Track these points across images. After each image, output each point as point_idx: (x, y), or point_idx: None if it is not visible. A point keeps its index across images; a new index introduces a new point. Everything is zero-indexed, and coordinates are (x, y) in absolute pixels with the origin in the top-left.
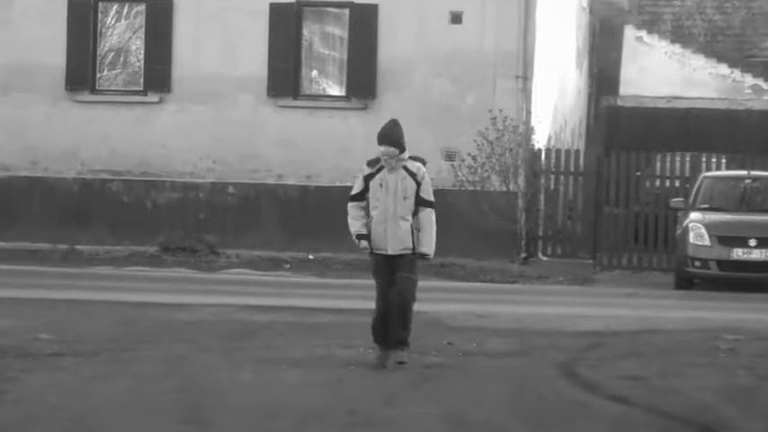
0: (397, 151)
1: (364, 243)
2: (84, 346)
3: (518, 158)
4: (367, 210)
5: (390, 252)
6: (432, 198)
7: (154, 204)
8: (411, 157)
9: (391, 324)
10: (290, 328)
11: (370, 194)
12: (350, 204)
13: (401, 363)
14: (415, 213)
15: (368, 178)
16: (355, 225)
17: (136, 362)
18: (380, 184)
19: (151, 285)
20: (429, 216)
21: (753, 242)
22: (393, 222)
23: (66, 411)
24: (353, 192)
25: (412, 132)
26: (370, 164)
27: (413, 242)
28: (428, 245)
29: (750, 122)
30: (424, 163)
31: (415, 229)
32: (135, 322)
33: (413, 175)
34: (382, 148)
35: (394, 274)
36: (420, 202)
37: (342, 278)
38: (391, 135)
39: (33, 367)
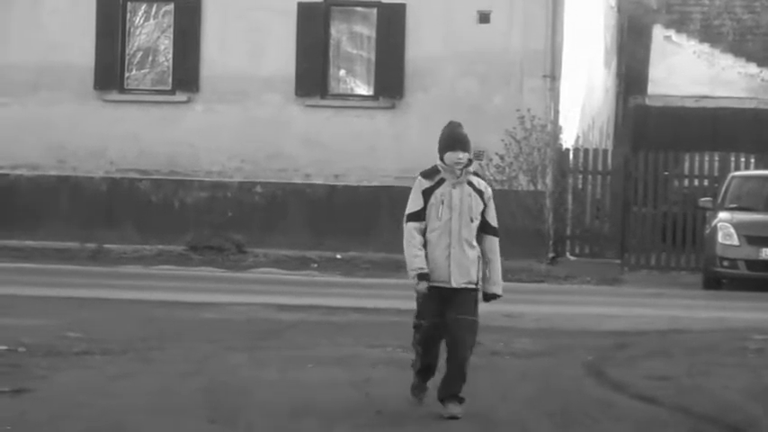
0: (470, 161)
1: (424, 286)
2: (111, 345)
3: (546, 158)
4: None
5: (453, 285)
6: (497, 225)
7: (182, 203)
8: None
9: (448, 378)
10: (317, 328)
11: (429, 213)
12: (408, 226)
13: (454, 417)
14: (477, 241)
15: (426, 193)
16: (417, 259)
17: (162, 360)
18: (443, 201)
19: (178, 284)
20: (496, 247)
21: None
22: (458, 247)
23: (94, 409)
24: (411, 209)
25: (439, 132)
26: (427, 175)
27: (477, 275)
28: (499, 283)
29: None
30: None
31: (481, 261)
32: (162, 321)
33: (480, 193)
34: (459, 155)
35: (445, 314)
36: (485, 229)
37: (369, 277)
38: (467, 139)
39: (61, 365)
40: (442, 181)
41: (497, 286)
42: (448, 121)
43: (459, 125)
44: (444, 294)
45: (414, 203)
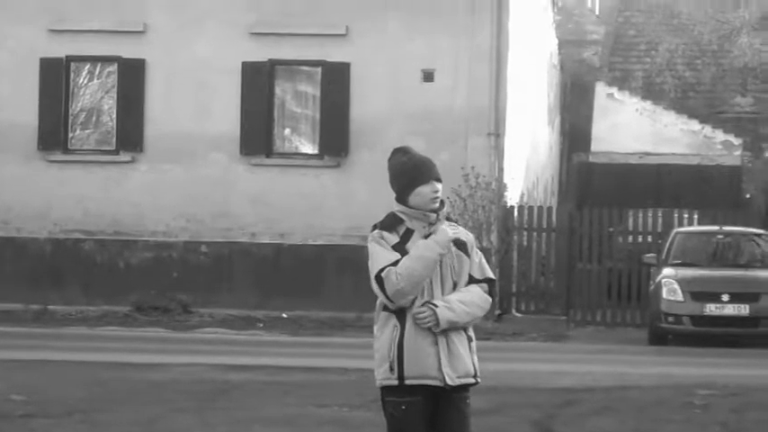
0: (441, 202)
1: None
2: (56, 408)
3: (491, 215)
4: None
5: (449, 382)
6: (491, 274)
7: (126, 264)
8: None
9: None
10: (264, 388)
11: None
12: (385, 273)
13: None
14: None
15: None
16: (427, 242)
17: (109, 423)
18: None
19: (124, 345)
20: (479, 293)
21: (725, 297)
22: (446, 333)
23: None
24: (383, 263)
25: (385, 191)
26: (388, 227)
27: (474, 364)
28: (455, 308)
29: (721, 178)
30: None
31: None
32: (107, 383)
33: (461, 245)
34: (436, 187)
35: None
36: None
37: (315, 336)
38: (435, 167)
39: (5, 429)
40: (409, 233)
41: (450, 309)
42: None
43: (413, 152)
44: (435, 398)
45: (384, 257)
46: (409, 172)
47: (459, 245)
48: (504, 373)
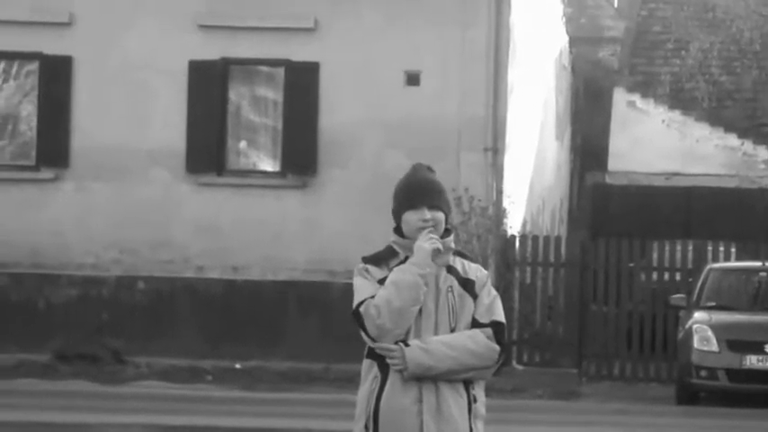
0: (444, 229)
1: (438, 243)
2: None
3: (487, 247)
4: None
5: None
6: (501, 317)
7: (47, 303)
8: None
9: None
10: None
11: None
12: (365, 306)
13: None
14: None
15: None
16: (406, 270)
17: None
18: None
19: (42, 402)
20: (477, 336)
21: None
22: (436, 388)
23: None
24: (362, 296)
25: (360, 215)
26: (377, 260)
27: (470, 428)
28: (432, 349)
29: (764, 203)
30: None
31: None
32: None
33: (467, 284)
34: (426, 215)
35: None
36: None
37: (274, 392)
38: (439, 189)
39: None
40: None
41: (425, 351)
42: (370, 201)
43: (428, 168)
44: None
45: (365, 291)
46: (401, 195)
47: (466, 283)
48: None
